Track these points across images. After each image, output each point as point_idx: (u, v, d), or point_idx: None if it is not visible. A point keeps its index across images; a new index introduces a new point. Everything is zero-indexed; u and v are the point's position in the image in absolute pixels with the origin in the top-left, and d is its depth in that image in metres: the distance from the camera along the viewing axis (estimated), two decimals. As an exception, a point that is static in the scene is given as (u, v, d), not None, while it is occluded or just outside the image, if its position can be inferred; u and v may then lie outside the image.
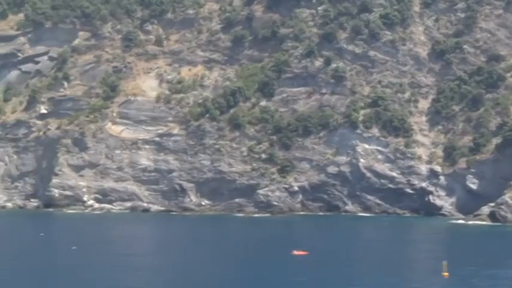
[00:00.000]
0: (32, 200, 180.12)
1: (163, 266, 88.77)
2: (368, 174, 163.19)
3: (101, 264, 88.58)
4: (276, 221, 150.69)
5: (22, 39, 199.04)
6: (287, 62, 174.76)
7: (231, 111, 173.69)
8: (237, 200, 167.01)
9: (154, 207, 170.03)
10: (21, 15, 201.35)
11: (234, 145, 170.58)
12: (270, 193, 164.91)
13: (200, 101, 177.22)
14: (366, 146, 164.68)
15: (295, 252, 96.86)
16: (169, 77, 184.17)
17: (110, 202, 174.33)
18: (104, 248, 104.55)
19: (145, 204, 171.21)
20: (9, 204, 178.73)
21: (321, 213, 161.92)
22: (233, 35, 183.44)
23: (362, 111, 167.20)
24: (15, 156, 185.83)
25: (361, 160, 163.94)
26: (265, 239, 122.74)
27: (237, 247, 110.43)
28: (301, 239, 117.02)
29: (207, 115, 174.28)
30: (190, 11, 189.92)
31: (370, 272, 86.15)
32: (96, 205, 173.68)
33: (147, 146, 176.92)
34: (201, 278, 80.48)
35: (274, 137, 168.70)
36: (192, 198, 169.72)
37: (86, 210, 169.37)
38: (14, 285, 74.62)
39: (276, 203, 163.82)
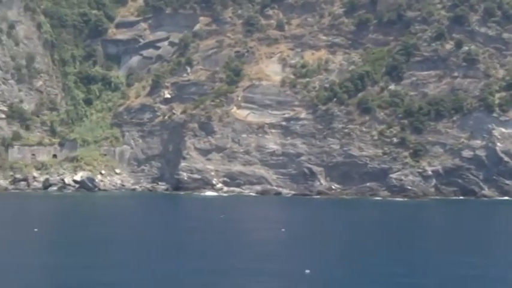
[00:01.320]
0: (159, 183, 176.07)
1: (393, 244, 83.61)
2: (506, 159, 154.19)
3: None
4: (424, 205, 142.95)
5: (143, 25, 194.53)
6: (416, 45, 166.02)
7: (359, 95, 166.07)
8: (368, 184, 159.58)
9: (284, 191, 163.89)
10: (140, 1, 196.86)
11: (364, 129, 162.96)
12: (403, 177, 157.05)
13: (326, 85, 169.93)
14: (503, 129, 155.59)
15: None
16: (292, 61, 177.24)
17: (239, 185, 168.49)
18: (309, 228, 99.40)
19: (275, 188, 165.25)
20: (137, 187, 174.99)
21: (455, 198, 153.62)
22: (357, 19, 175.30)
23: (497, 95, 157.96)
24: (140, 140, 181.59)
25: (498, 144, 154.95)
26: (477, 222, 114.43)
27: (447, 232, 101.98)
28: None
29: (335, 99, 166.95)
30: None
31: None
32: (225, 188, 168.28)
33: (273, 130, 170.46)
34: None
35: (405, 121, 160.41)
36: (322, 182, 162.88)
37: (224, 194, 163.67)
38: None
39: (409, 187, 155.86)
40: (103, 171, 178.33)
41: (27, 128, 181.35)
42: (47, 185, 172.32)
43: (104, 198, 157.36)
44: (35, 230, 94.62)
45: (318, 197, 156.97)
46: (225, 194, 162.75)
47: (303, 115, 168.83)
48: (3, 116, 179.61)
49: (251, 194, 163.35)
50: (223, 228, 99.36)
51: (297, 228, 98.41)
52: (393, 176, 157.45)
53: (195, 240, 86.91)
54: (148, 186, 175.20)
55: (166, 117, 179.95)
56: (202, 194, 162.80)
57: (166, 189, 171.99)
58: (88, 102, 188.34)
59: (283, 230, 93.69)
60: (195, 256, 73.88)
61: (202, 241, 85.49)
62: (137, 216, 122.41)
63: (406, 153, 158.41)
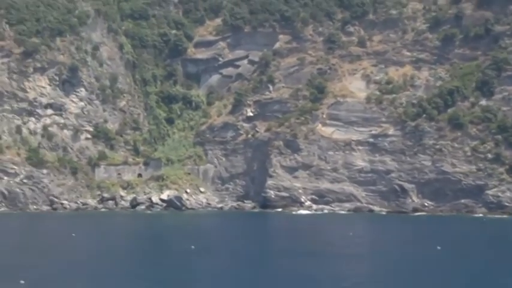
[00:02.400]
0: (245, 201, 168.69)
1: None
2: None
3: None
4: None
5: (221, 44, 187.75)
6: (506, 60, 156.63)
7: (449, 110, 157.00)
8: (462, 200, 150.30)
9: (376, 208, 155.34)
10: (218, 21, 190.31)
11: (456, 145, 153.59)
12: (500, 193, 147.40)
13: (414, 101, 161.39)
14: None
15: None
16: (376, 77, 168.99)
17: (327, 203, 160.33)
18: (463, 246, 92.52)
19: (365, 205, 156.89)
20: (223, 206, 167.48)
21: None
22: (442, 34, 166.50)
23: None
24: (224, 159, 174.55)
25: None
26: None
27: None
28: None
29: (424, 115, 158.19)
30: (393, 11, 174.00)
31: None
32: (314, 206, 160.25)
33: (360, 147, 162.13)
34: None
35: (499, 137, 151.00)
36: (414, 199, 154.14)
37: (317, 212, 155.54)
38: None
39: (507, 204, 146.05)
40: (188, 190, 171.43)
41: (112, 148, 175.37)
42: (134, 204, 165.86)
43: (200, 217, 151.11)
44: (192, 247, 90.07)
45: (416, 214, 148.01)
46: (319, 212, 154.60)
47: (391, 131, 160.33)
48: (89, 136, 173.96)
49: (341, 211, 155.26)
50: (373, 245, 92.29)
51: (450, 246, 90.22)
52: (489, 192, 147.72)
53: (371, 257, 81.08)
54: (234, 204, 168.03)
55: (249, 135, 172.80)
56: (294, 212, 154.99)
57: (253, 208, 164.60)
58: (170, 121, 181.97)
59: (438, 247, 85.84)
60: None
61: (383, 257, 79.16)
62: (271, 233, 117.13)
63: (501, 169, 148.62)
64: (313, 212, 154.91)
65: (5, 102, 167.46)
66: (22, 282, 63.98)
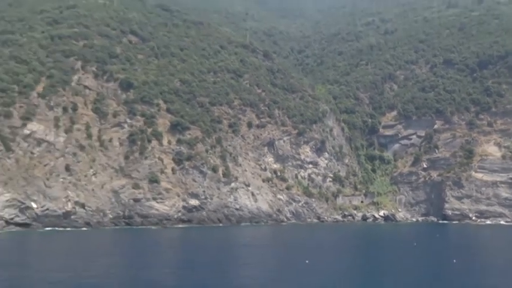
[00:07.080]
0: (430, 216, 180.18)
1: None
2: None
3: None
4: None
5: (399, 126, 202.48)
6: None
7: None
8: None
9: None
10: (394, 113, 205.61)
11: None
12: None
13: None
14: None
15: None
16: (505, 144, 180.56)
17: (486, 218, 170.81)
18: None
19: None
20: (417, 219, 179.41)
21: None
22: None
23: None
24: (410, 192, 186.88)
25: None
26: None
27: None
28: None
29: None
30: (508, 106, 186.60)
31: None
32: (478, 220, 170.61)
33: (504, 185, 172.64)
34: None
35: None
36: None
37: (484, 223, 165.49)
38: None
39: None
40: (393, 210, 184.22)
41: (343, 186, 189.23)
42: (364, 218, 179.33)
43: (414, 226, 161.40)
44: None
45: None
46: (487, 223, 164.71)
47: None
48: (330, 179, 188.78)
49: (502, 222, 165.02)
50: None
51: None
52: None
53: None
54: (423, 218, 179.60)
55: (426, 178, 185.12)
56: (473, 223, 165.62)
57: (437, 220, 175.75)
58: (373, 171, 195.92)
59: None
60: None
61: None
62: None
63: None
64: (483, 223, 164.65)
65: (289, 161, 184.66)
66: None
